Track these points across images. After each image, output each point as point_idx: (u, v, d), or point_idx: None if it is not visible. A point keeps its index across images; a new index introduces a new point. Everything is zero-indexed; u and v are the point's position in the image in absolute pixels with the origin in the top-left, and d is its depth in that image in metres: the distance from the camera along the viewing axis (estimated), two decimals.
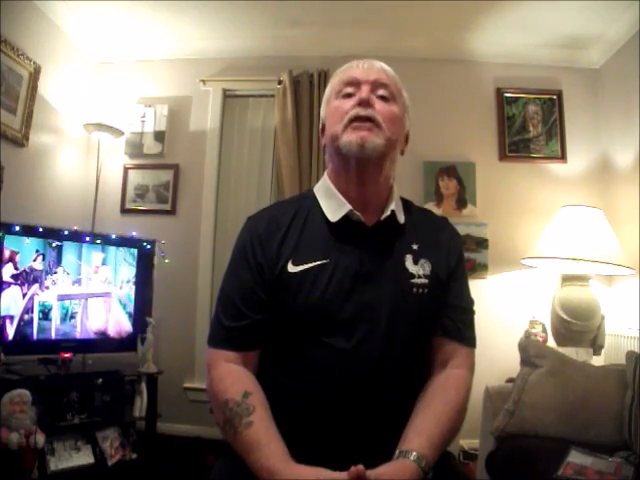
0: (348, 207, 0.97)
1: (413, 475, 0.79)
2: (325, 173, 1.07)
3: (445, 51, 2.98)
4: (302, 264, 0.94)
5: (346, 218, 0.97)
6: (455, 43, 2.95)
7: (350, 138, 0.94)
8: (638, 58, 2.45)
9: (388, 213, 0.98)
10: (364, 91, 0.96)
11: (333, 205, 0.99)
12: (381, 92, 0.98)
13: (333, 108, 1.00)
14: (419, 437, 0.84)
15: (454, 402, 0.92)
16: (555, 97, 2.96)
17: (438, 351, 0.99)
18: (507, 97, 2.98)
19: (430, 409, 0.89)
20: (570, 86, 2.96)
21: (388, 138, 0.95)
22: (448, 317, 0.99)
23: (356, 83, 0.98)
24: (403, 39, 2.92)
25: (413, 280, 0.96)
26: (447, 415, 0.89)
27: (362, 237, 0.97)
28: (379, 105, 0.96)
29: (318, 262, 0.94)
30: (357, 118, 0.94)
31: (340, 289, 0.92)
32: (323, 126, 1.05)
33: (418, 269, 0.97)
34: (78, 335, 2.33)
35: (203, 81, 3.04)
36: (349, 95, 0.98)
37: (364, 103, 0.95)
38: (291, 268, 0.94)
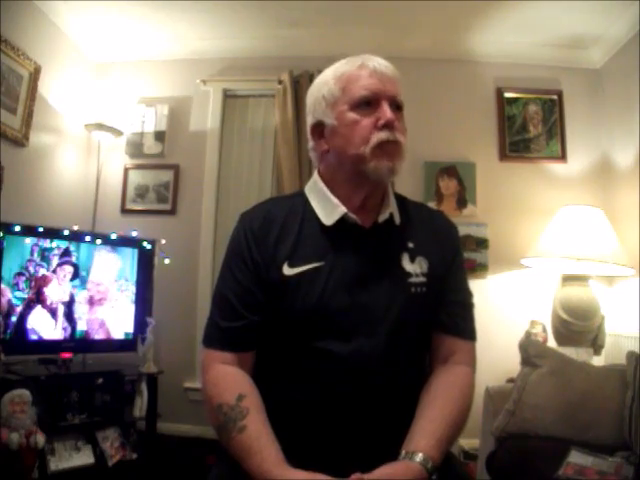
0: (343, 210, 0.95)
1: (418, 477, 0.77)
2: (315, 174, 1.04)
3: (445, 51, 2.98)
4: (298, 267, 0.92)
5: (341, 220, 0.96)
6: (455, 43, 2.95)
7: (381, 165, 0.91)
8: (638, 58, 2.44)
9: (386, 216, 0.97)
10: (387, 111, 0.92)
11: (327, 208, 0.97)
12: (396, 104, 0.95)
13: (350, 121, 0.93)
14: (425, 438, 0.83)
15: (459, 401, 0.91)
16: (555, 97, 2.95)
17: (438, 347, 0.98)
18: (507, 97, 2.98)
19: (436, 409, 0.88)
20: (570, 86, 2.96)
21: (405, 155, 0.95)
22: (446, 313, 0.98)
23: (374, 97, 0.93)
24: (403, 39, 2.92)
25: (411, 279, 0.95)
26: (453, 415, 0.88)
27: (358, 239, 0.96)
28: (397, 123, 0.94)
29: (313, 265, 0.92)
30: (387, 142, 0.91)
31: (337, 292, 0.91)
32: (319, 126, 0.98)
33: (415, 268, 0.96)
34: (78, 335, 2.33)
35: (203, 81, 3.04)
36: (366, 105, 0.93)
37: (390, 125, 0.92)
38: (287, 271, 0.92)
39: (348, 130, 0.93)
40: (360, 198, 0.97)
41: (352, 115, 0.93)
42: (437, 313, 0.98)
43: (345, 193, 0.97)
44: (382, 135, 0.91)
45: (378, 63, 0.96)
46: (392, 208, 0.99)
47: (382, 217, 0.97)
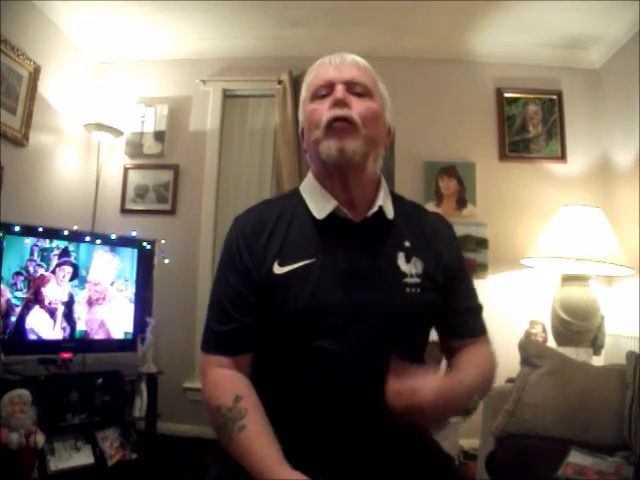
0: (334, 203, 0.94)
1: (449, 384, 0.82)
2: (310, 172, 1.04)
3: (445, 51, 2.98)
4: (288, 265, 0.91)
5: (333, 215, 0.94)
6: (455, 43, 2.95)
7: (329, 144, 0.91)
8: (638, 58, 2.45)
9: (375, 209, 0.95)
10: (339, 91, 0.93)
11: (319, 202, 0.96)
12: (356, 89, 0.94)
13: (309, 111, 0.97)
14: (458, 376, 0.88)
15: (485, 366, 0.96)
16: (555, 97, 2.96)
17: (455, 350, 1.01)
18: (507, 97, 2.98)
19: (467, 370, 0.91)
20: (570, 86, 2.96)
21: (366, 137, 0.92)
22: (462, 320, 1.01)
23: (330, 85, 0.95)
24: (403, 39, 2.92)
25: (406, 279, 0.93)
26: (480, 371, 0.93)
27: (350, 234, 0.94)
28: (356, 103, 0.93)
29: (304, 262, 0.91)
30: (335, 119, 0.91)
31: (330, 289, 0.90)
32: (302, 130, 1.02)
33: (410, 268, 0.94)
34: (78, 335, 2.33)
35: (203, 81, 3.04)
36: (324, 96, 0.95)
37: (340, 103, 0.92)
38: (277, 269, 0.91)
39: (308, 120, 0.97)
40: (341, 190, 0.96)
41: (311, 106, 0.97)
42: (450, 320, 1.00)
43: (329, 186, 0.97)
44: (330, 113, 0.92)
45: (338, 55, 0.99)
46: (382, 201, 0.97)
47: (371, 211, 0.96)
